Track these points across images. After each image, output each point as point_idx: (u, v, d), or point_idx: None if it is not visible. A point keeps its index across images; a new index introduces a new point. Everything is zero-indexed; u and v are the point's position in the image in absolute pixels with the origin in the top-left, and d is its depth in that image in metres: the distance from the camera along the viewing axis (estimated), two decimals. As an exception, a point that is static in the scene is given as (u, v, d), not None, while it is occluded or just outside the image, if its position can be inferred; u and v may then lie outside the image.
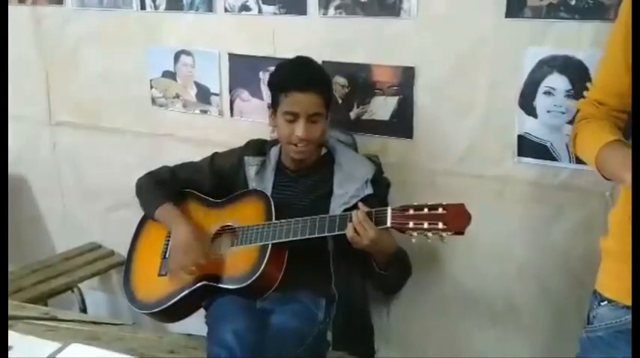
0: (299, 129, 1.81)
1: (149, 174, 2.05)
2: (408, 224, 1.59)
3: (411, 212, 1.61)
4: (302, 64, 1.91)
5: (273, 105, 1.89)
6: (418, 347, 2.15)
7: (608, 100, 1.38)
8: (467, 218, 1.55)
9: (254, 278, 1.73)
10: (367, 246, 1.66)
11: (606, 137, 1.30)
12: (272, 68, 2.01)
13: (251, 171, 1.95)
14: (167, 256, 1.94)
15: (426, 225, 1.57)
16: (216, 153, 2.07)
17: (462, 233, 1.55)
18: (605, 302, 1.35)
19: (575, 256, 1.82)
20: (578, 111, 1.47)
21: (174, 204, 1.96)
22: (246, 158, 1.98)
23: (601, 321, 1.36)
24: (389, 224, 1.63)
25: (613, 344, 1.34)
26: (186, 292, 1.83)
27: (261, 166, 1.96)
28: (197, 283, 1.82)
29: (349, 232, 1.66)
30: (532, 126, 1.82)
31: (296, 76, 1.84)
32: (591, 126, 1.39)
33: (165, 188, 2.00)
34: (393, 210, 1.64)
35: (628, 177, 1.17)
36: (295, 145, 1.84)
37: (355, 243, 1.66)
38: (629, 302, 1.29)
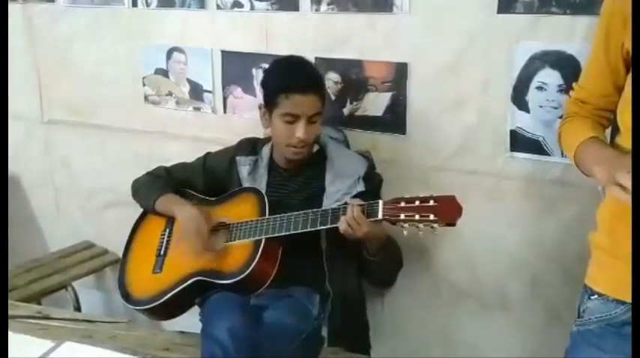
0: (299, 131, 1.80)
1: (146, 173, 2.07)
2: (399, 216, 1.60)
3: (403, 204, 1.62)
4: (300, 64, 1.89)
5: (268, 106, 1.87)
6: (413, 343, 2.15)
7: (591, 99, 1.40)
8: (458, 209, 1.56)
9: (247, 272, 1.73)
10: (360, 238, 1.68)
11: (584, 135, 1.33)
12: (265, 65, 2.00)
13: (244, 170, 1.96)
14: (162, 253, 1.95)
15: (417, 217, 1.58)
16: (208, 153, 2.07)
17: (453, 224, 1.56)
18: (595, 296, 1.36)
19: (568, 250, 1.83)
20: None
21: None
22: (238, 158, 1.98)
23: (591, 315, 1.36)
24: (380, 216, 1.64)
25: (603, 336, 1.34)
26: (180, 288, 1.83)
27: (253, 166, 1.96)
28: (191, 279, 1.82)
29: (342, 226, 1.66)
30: (525, 122, 1.82)
31: (298, 78, 1.82)
32: (573, 124, 1.42)
33: (163, 181, 2.02)
34: (384, 202, 1.65)
35: (597, 170, 1.19)
36: (294, 147, 1.84)
37: (348, 235, 1.67)
38: (618, 295, 1.30)
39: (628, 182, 1.09)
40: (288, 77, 1.84)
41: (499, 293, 2.00)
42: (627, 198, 1.09)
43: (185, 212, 1.90)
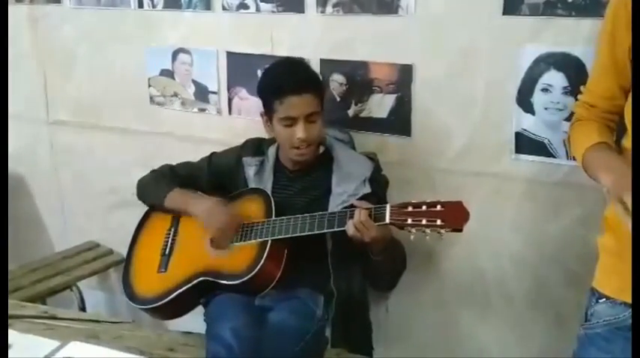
0: (299, 132, 1.81)
1: (151, 171, 2.07)
2: (406, 220, 1.60)
3: (410, 209, 1.61)
4: (290, 66, 1.91)
5: (268, 113, 1.88)
6: (416, 344, 2.15)
7: (599, 102, 1.41)
8: (465, 215, 1.56)
9: (252, 274, 1.74)
10: (366, 242, 1.67)
11: (592, 139, 1.33)
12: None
13: (250, 171, 1.96)
14: (167, 252, 1.95)
15: (424, 222, 1.58)
16: (214, 152, 2.07)
17: (460, 230, 1.56)
18: (603, 300, 1.36)
19: (573, 252, 1.83)
20: (572, 113, 1.50)
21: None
22: (244, 158, 1.98)
23: (599, 318, 1.36)
24: (387, 221, 1.63)
25: (611, 340, 1.34)
26: (184, 288, 1.83)
27: (259, 166, 1.97)
28: (196, 278, 1.83)
29: (350, 230, 1.66)
30: (529, 124, 1.82)
31: (287, 81, 1.83)
32: (581, 128, 1.42)
33: (170, 179, 2.03)
34: (391, 207, 1.65)
35: (604, 177, 1.21)
36: (297, 148, 1.85)
37: (356, 239, 1.67)
38: (626, 298, 1.29)
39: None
40: (279, 82, 1.85)
41: (502, 295, 2.00)
42: (628, 221, 1.11)
43: (200, 205, 1.91)
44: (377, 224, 1.65)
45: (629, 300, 1.28)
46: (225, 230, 1.85)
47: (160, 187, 2.01)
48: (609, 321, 1.34)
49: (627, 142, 1.32)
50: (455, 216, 1.56)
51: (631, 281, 1.17)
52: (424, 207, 1.60)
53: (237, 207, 1.93)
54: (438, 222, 1.56)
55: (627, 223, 1.11)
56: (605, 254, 1.39)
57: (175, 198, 1.97)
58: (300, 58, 2.00)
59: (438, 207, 1.58)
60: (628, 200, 1.11)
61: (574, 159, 1.65)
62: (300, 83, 1.82)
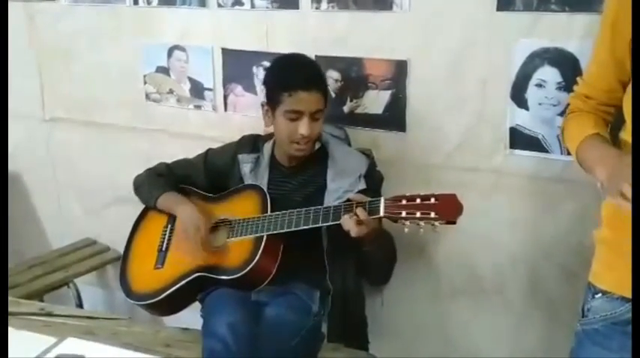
0: (303, 128, 1.81)
1: (148, 169, 2.08)
2: (400, 213, 1.60)
3: (404, 202, 1.61)
4: (302, 62, 1.90)
5: (271, 104, 1.87)
6: (412, 339, 2.16)
7: (596, 95, 1.40)
8: (459, 207, 1.56)
9: (248, 268, 1.74)
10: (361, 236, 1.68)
11: (585, 131, 1.32)
12: (265, 63, 2.01)
13: (245, 168, 1.96)
14: (163, 249, 1.96)
15: (418, 215, 1.58)
16: (209, 149, 2.07)
17: (453, 222, 1.56)
18: (600, 294, 1.35)
19: (567, 248, 1.83)
20: (568, 105, 1.50)
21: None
22: (239, 156, 1.98)
23: (596, 313, 1.36)
24: (382, 214, 1.63)
25: (609, 335, 1.34)
26: (181, 283, 1.84)
27: (255, 163, 1.97)
28: (192, 274, 1.83)
29: (347, 225, 1.66)
30: (524, 119, 1.83)
31: (300, 75, 1.83)
32: (577, 119, 1.42)
33: (165, 179, 2.03)
34: (386, 200, 1.65)
35: (599, 170, 1.21)
36: (298, 143, 1.85)
37: (352, 233, 1.67)
38: (623, 293, 1.29)
39: (630, 193, 1.09)
40: (291, 75, 1.84)
41: (498, 291, 2.00)
42: (628, 206, 1.10)
43: (185, 211, 1.91)
44: (371, 217, 1.64)
45: (627, 294, 1.27)
46: (195, 234, 1.86)
47: (152, 190, 2.01)
48: (606, 316, 1.34)
49: (626, 135, 1.31)
50: (449, 208, 1.56)
51: (628, 276, 1.17)
52: (418, 200, 1.60)
53: (232, 203, 1.93)
54: (432, 214, 1.56)
55: (628, 208, 1.10)
56: (601, 248, 1.38)
57: (165, 201, 1.98)
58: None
59: (432, 200, 1.58)
60: (628, 191, 1.10)
61: (569, 151, 1.67)
62: (311, 79, 1.83)
